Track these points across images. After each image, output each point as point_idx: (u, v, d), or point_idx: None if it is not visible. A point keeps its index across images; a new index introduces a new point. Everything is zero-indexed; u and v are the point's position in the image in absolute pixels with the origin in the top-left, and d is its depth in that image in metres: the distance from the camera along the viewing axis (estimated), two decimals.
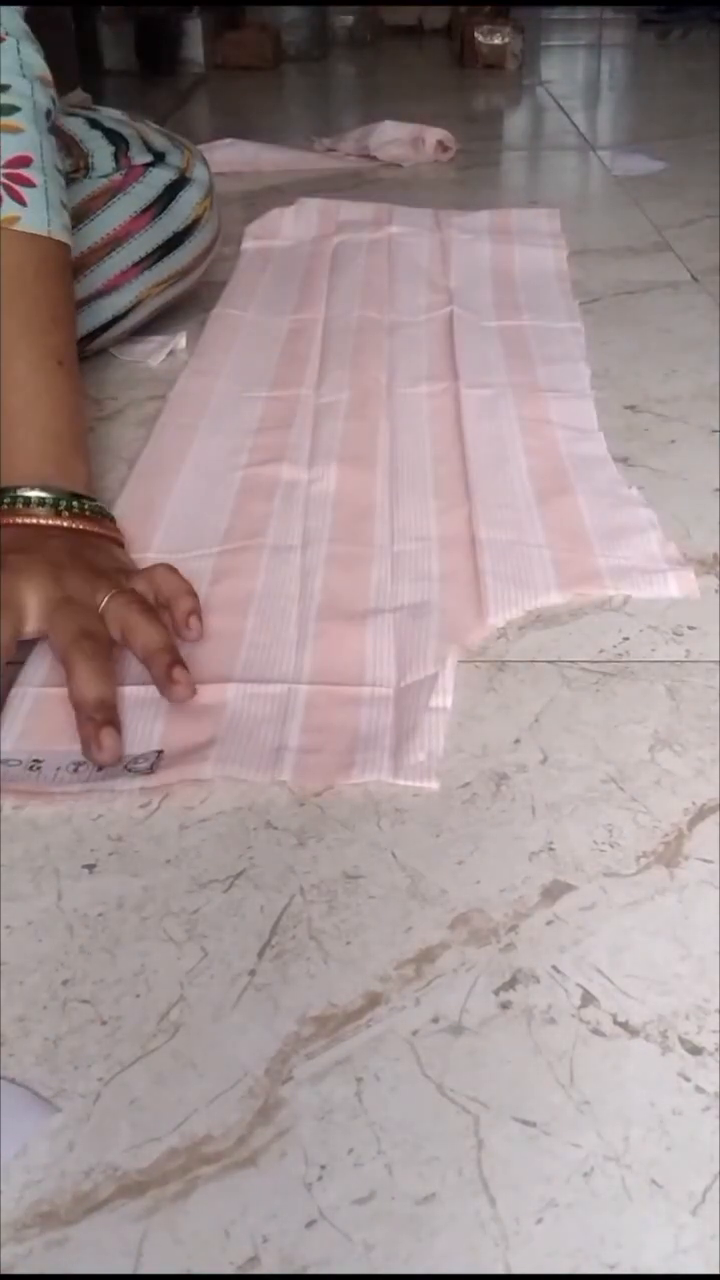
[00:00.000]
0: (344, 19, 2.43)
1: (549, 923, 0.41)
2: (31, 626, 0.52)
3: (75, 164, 0.83)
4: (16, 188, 0.61)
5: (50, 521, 0.56)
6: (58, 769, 0.48)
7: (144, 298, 0.88)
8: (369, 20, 2.48)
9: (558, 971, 0.39)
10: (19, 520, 0.55)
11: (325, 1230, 0.32)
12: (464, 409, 0.79)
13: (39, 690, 0.52)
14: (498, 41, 2.12)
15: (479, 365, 0.86)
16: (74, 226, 0.68)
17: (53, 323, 0.62)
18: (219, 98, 1.96)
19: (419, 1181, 0.33)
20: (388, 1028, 0.37)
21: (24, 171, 0.62)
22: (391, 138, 1.50)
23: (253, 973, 0.39)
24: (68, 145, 0.82)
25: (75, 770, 0.48)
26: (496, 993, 0.39)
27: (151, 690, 0.52)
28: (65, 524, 0.56)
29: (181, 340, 0.92)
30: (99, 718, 0.48)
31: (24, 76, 0.64)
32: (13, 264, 0.61)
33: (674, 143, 1.56)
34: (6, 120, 0.62)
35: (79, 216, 0.81)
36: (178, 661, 0.51)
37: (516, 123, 1.85)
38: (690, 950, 0.40)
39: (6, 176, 0.61)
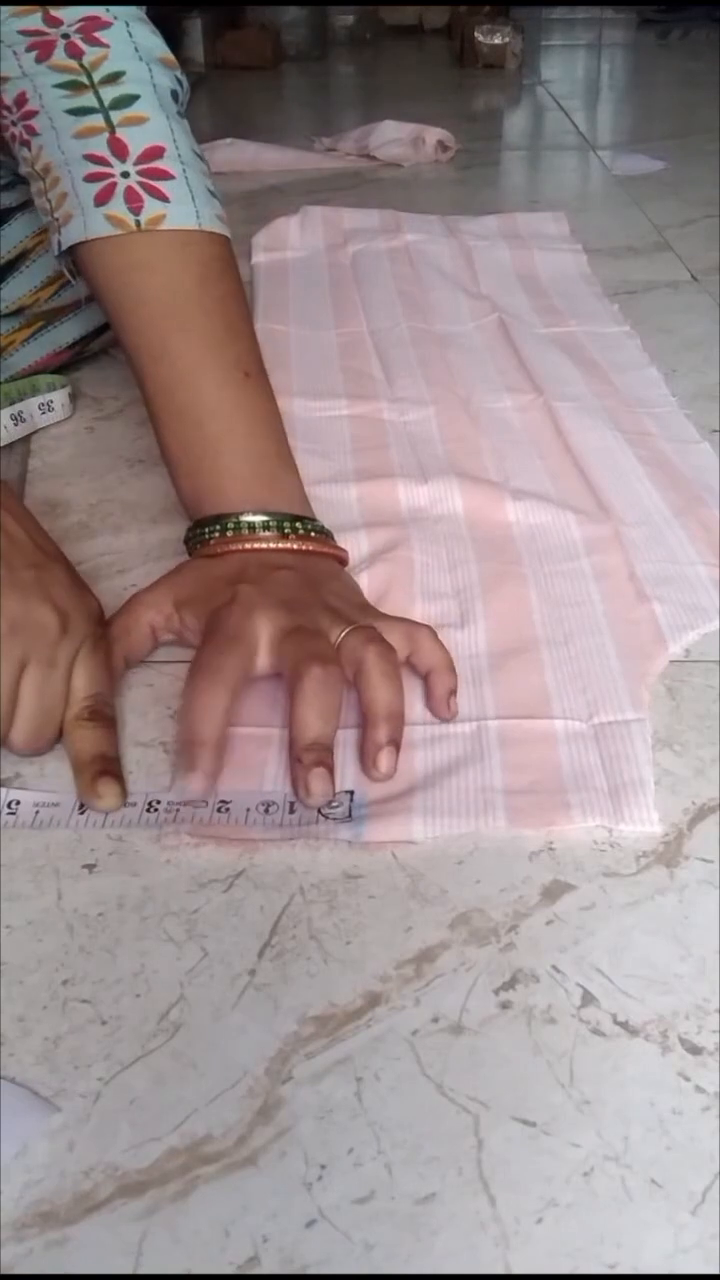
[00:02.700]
0: (344, 19, 2.43)
1: (549, 923, 0.41)
2: (263, 662, 0.49)
3: None
4: (154, 184, 0.55)
5: (277, 545, 0.52)
6: (247, 810, 0.45)
7: None
8: (369, 20, 2.47)
9: (558, 971, 0.39)
10: (245, 546, 0.52)
11: (325, 1230, 0.32)
12: (561, 423, 0.75)
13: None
14: (498, 41, 2.11)
15: (553, 376, 0.83)
16: None
17: (229, 330, 0.56)
18: (219, 97, 1.96)
19: (419, 1181, 0.33)
20: (388, 1028, 0.37)
21: (159, 164, 0.55)
22: (391, 137, 1.50)
23: (253, 973, 0.39)
24: None
25: (266, 811, 0.45)
26: (496, 992, 0.39)
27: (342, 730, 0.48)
28: (293, 546, 0.52)
29: None
30: (309, 759, 0.45)
31: (140, 60, 0.58)
32: (173, 272, 0.55)
33: (674, 143, 1.56)
34: (128, 112, 0.56)
35: None
36: (396, 740, 0.47)
37: (516, 122, 1.85)
38: (690, 950, 0.40)
39: (141, 174, 0.55)
